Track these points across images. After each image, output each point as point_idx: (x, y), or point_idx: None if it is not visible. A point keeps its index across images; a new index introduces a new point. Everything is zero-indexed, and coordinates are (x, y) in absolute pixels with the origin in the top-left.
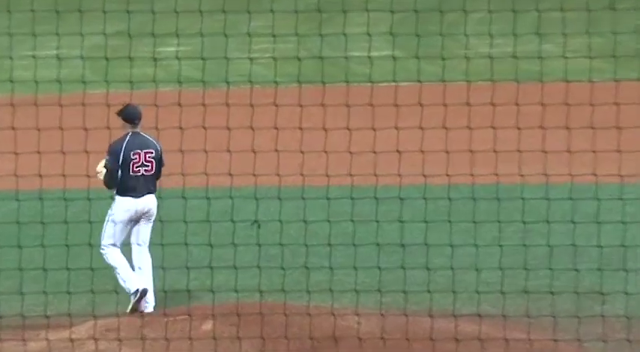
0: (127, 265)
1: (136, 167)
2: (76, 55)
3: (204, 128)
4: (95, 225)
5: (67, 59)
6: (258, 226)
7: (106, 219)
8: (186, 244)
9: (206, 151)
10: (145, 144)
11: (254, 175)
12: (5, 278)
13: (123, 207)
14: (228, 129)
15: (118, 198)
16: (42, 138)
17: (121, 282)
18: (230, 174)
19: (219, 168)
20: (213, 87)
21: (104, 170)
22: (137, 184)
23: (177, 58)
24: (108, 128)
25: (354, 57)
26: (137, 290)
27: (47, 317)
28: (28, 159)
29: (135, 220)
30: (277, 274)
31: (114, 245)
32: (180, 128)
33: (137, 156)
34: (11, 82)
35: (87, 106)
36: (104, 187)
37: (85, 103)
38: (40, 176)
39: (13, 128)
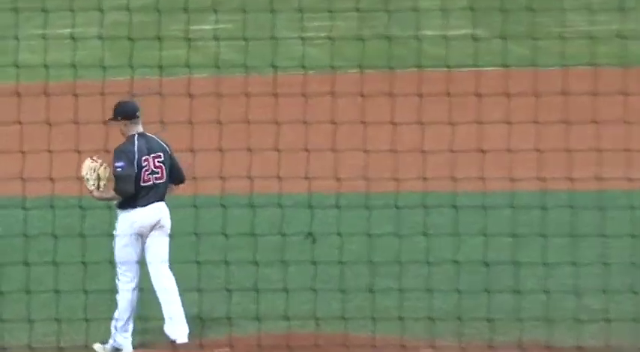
0: (130, 320)
1: (147, 175)
2: (93, 35)
3: (248, 122)
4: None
5: (83, 39)
6: (313, 240)
7: (114, 239)
8: (226, 262)
9: (250, 149)
10: (152, 148)
11: (307, 179)
12: (10, 303)
13: (129, 219)
14: (277, 123)
15: (121, 211)
16: (54, 135)
17: (112, 326)
18: (278, 178)
19: (265, 171)
20: (258, 73)
21: (92, 178)
22: (147, 194)
23: (215, 39)
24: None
25: (427, 37)
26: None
27: (60, 348)
28: (38, 160)
29: (145, 234)
30: (336, 298)
31: (131, 273)
32: (219, 123)
33: (147, 163)
34: (17, 67)
35: (107, 96)
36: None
37: (105, 92)
38: (52, 180)
39: (19, 122)
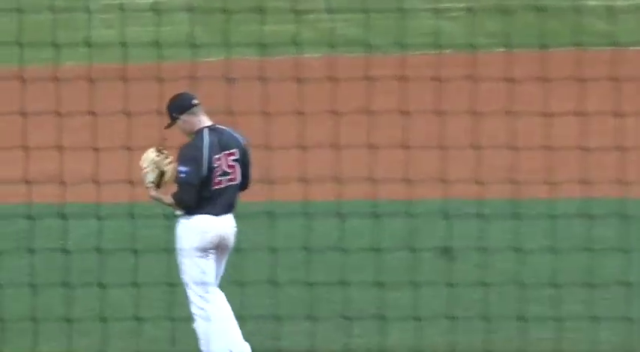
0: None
1: (218, 177)
2: (180, 6)
3: (369, 112)
4: None
5: (168, 12)
6: (451, 256)
7: (180, 257)
8: (344, 283)
9: (372, 146)
10: (225, 144)
11: (443, 182)
12: (82, 333)
13: (199, 228)
14: (404, 113)
15: (188, 218)
16: (134, 127)
17: None
18: (407, 181)
19: (391, 172)
20: (383, 52)
21: (153, 174)
22: (217, 200)
23: (329, 11)
24: (230, 112)
25: (589, 7)
26: None
27: None
28: (114, 158)
29: (213, 247)
30: (478, 328)
31: (210, 295)
32: (335, 113)
33: (219, 163)
34: (88, 46)
35: (198, 80)
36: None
37: (195, 76)
38: (132, 183)
39: (91, 113)
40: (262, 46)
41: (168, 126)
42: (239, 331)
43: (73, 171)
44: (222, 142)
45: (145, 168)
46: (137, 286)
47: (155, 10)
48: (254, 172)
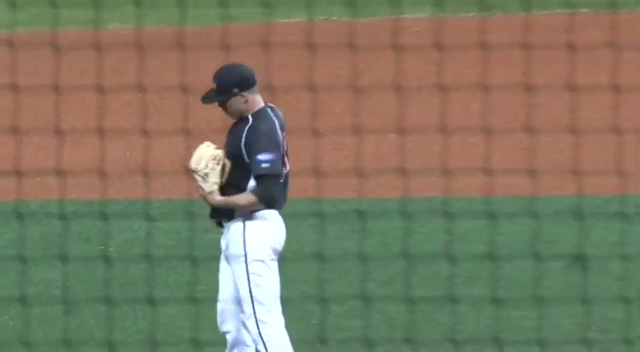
0: None
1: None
2: None
3: (485, 88)
4: (291, 264)
5: None
6: (585, 266)
7: (244, 267)
8: (452, 299)
9: (490, 130)
10: (281, 126)
11: (575, 174)
12: None
13: (270, 226)
14: (528, 88)
15: (254, 217)
16: (192, 106)
17: None
18: (530, 172)
19: (511, 161)
20: (502, 12)
21: (215, 173)
22: (281, 191)
23: None
24: (311, 88)
25: None
26: None
27: None
28: (168, 144)
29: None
30: None
31: (279, 307)
32: (442, 88)
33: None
34: (137, 4)
35: (272, 47)
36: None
37: (269, 42)
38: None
39: (140, 88)
40: (352, 5)
41: (216, 99)
42: None
43: (116, 160)
44: (281, 123)
45: (203, 168)
46: (195, 302)
47: None
48: (342, 161)
